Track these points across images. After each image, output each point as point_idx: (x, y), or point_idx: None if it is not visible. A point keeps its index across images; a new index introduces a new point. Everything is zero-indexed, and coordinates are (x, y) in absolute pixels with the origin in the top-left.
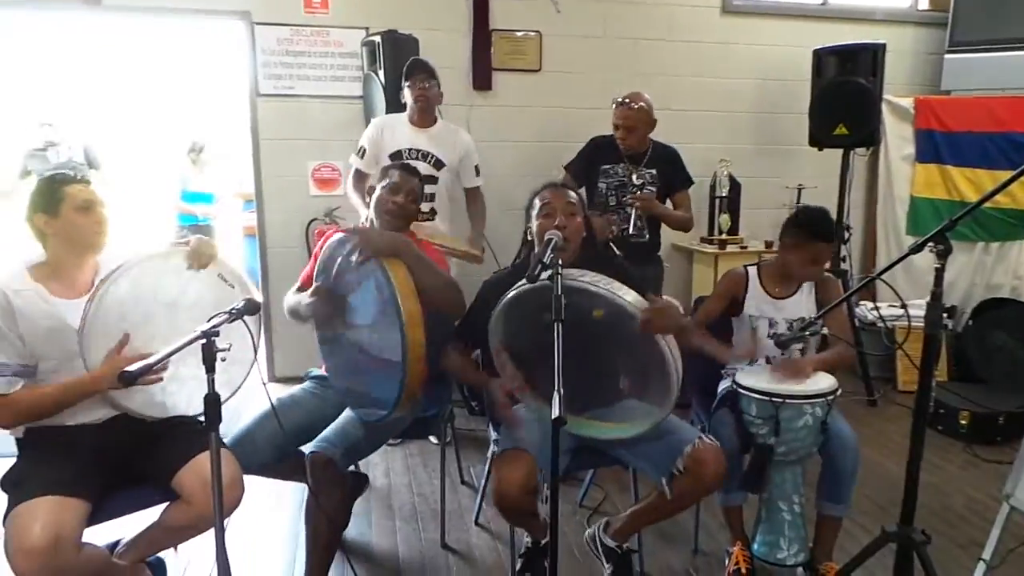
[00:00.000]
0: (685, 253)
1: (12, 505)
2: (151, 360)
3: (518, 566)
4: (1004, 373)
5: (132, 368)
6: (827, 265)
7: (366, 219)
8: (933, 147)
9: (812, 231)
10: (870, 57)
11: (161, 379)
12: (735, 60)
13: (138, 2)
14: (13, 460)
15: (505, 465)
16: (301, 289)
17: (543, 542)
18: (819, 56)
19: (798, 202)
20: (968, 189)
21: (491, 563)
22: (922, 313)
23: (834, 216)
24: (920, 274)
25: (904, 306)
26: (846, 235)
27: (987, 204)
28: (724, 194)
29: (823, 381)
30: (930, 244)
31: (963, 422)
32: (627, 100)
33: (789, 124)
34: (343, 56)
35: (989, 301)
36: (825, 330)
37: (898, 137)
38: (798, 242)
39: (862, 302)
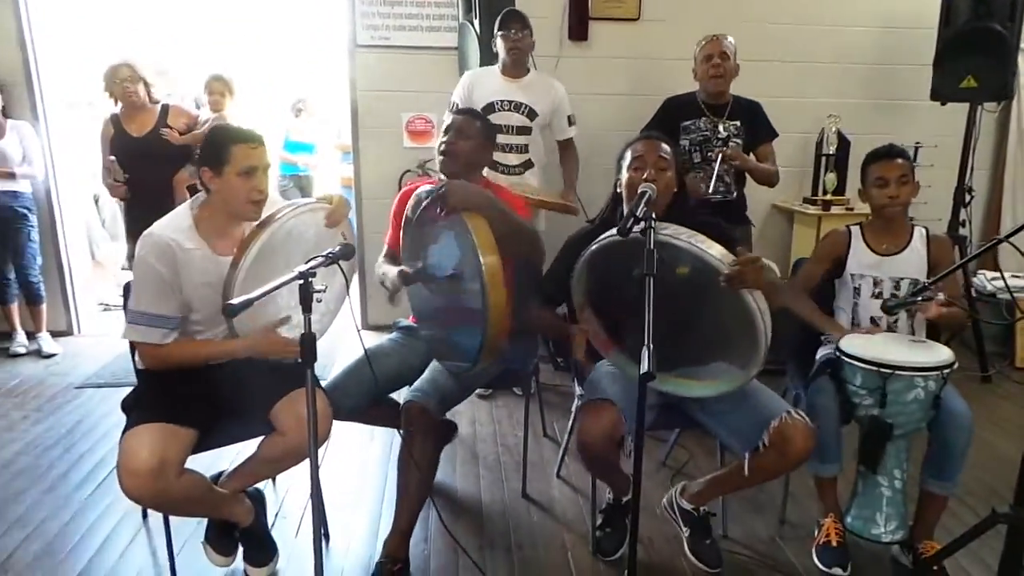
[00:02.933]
0: (786, 214)
1: (128, 427)
2: (252, 295)
3: (598, 521)
4: None
5: (235, 301)
6: (907, 186)
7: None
8: None
9: (865, 159)
10: (1009, 0)
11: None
12: (850, 7)
13: None
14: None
15: (589, 414)
16: (389, 254)
17: (624, 499)
18: (949, 1)
19: (914, 161)
20: None
21: (571, 516)
22: None
23: (955, 178)
24: None
25: None
26: (968, 198)
27: None
28: (831, 152)
29: (939, 353)
30: None
31: None
32: (714, 36)
33: (908, 76)
34: (439, 5)
35: None
36: (940, 296)
37: None
38: (862, 177)
39: (980, 271)
